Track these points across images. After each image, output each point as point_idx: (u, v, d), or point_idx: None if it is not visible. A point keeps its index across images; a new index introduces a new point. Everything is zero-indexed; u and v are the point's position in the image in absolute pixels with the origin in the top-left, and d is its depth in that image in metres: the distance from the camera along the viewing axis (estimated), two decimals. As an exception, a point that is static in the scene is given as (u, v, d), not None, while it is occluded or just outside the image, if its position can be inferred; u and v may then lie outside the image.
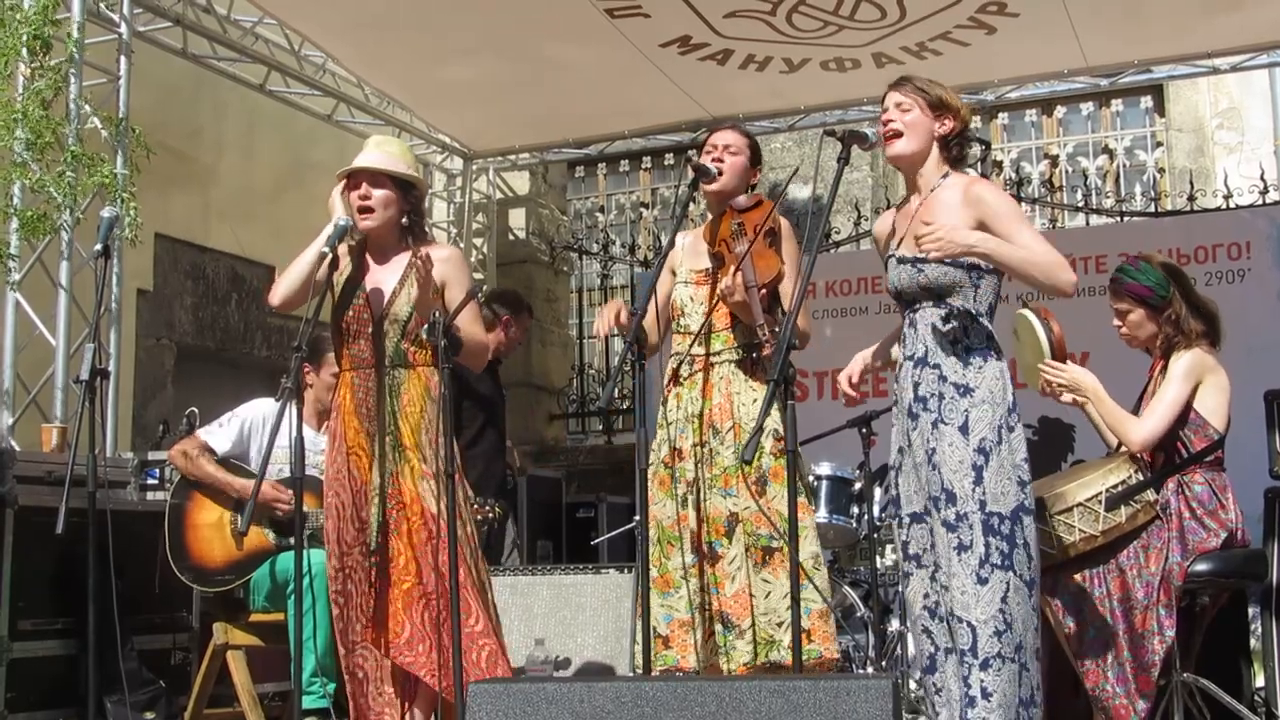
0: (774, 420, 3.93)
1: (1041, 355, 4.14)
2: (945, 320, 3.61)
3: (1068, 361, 4.17)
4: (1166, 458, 4.29)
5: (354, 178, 4.05)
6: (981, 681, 3.38)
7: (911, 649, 3.68)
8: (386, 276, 4.06)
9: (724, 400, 4.04)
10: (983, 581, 3.43)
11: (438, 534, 3.84)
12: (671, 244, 4.11)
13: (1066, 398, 4.14)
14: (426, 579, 3.87)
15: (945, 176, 3.74)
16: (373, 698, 3.92)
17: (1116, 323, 4.47)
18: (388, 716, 3.93)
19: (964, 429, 3.52)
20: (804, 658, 3.85)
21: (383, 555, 3.92)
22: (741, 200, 4.20)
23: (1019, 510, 3.50)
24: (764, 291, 3.94)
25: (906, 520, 3.67)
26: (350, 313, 4.04)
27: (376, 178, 4.04)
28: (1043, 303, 4.33)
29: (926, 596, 3.62)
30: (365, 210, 4.02)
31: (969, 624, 3.42)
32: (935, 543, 3.54)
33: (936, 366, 3.60)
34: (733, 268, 3.97)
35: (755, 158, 4.29)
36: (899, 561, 3.73)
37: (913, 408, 3.64)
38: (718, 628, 3.93)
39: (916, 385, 3.63)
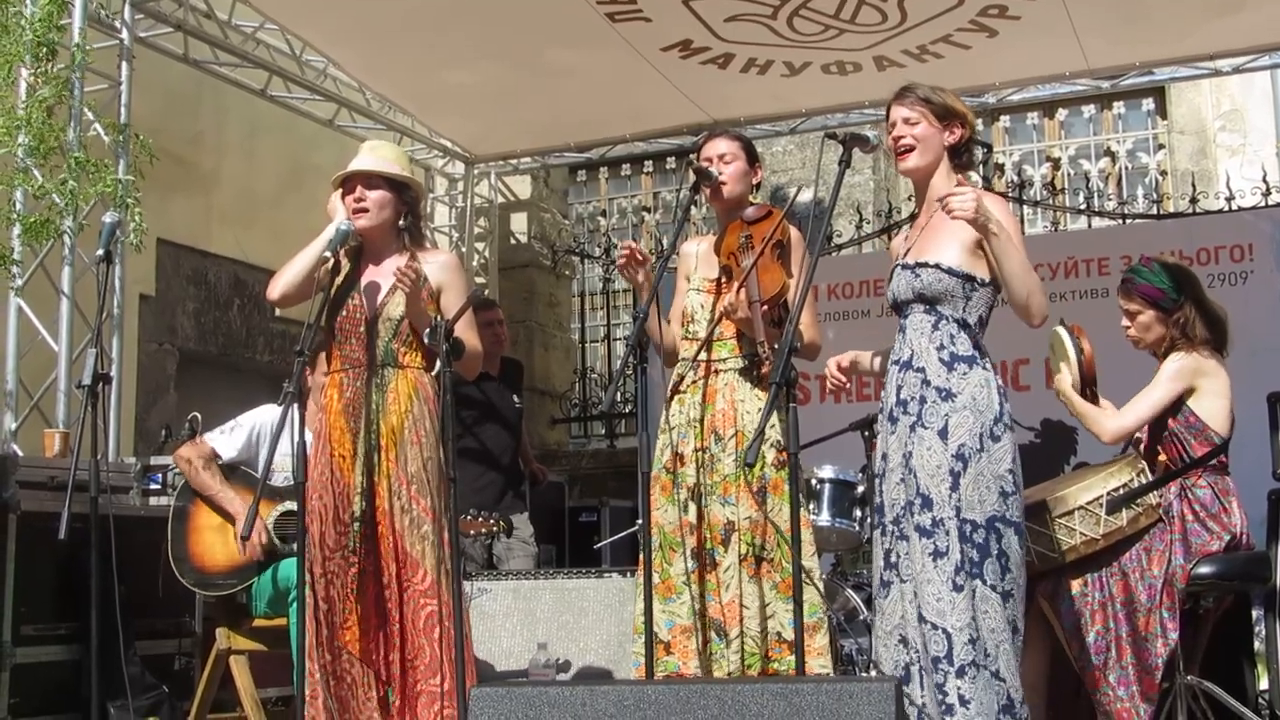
0: (779, 431, 3.90)
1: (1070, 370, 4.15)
2: (934, 327, 3.58)
3: (1096, 380, 4.17)
4: (1169, 461, 4.28)
5: (349, 182, 4.07)
6: (959, 689, 3.35)
7: (886, 662, 3.59)
8: (381, 278, 4.06)
9: (727, 407, 4.01)
10: (958, 589, 3.38)
11: (428, 570, 3.88)
12: (673, 248, 4.08)
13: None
14: (392, 597, 3.90)
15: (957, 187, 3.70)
16: (362, 702, 3.90)
17: (1125, 323, 4.44)
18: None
19: (943, 433, 3.47)
20: (782, 669, 3.84)
21: (367, 558, 3.91)
22: (750, 212, 4.17)
23: (995, 520, 3.43)
24: (766, 307, 3.91)
25: (890, 528, 3.60)
26: (344, 313, 4.04)
27: (371, 179, 4.05)
28: (1077, 321, 4.34)
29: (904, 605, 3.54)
30: (361, 211, 4.03)
31: (944, 630, 3.38)
32: (909, 548, 3.49)
33: (921, 370, 3.55)
34: (736, 284, 3.96)
35: (752, 157, 4.27)
36: (879, 570, 3.63)
37: (893, 412, 3.61)
38: (712, 635, 3.92)
39: (899, 389, 3.60)
